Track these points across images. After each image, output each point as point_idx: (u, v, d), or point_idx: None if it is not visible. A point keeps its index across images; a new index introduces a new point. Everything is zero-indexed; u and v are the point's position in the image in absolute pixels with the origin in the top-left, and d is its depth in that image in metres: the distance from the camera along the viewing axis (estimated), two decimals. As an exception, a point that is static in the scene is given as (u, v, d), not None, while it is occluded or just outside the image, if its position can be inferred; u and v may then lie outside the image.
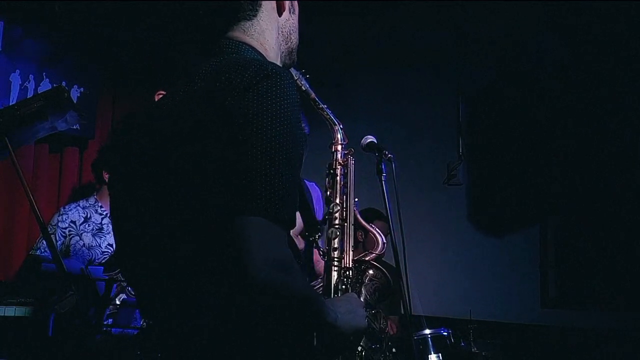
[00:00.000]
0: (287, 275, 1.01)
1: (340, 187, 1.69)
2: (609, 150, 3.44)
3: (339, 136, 1.77)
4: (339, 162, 1.74)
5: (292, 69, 1.56)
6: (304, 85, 1.62)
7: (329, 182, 1.72)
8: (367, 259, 2.25)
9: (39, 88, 3.69)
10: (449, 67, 4.03)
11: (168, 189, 1.10)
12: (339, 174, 1.72)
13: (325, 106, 1.72)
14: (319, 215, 2.88)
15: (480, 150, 3.98)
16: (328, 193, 1.69)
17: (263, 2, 1.28)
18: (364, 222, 2.23)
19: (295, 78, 1.57)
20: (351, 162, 1.77)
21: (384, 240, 2.34)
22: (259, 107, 1.03)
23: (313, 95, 1.66)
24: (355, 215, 1.80)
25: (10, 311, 2.45)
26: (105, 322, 2.58)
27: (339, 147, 1.76)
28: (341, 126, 1.80)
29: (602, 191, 3.48)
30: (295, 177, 1.07)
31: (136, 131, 1.23)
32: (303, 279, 1.09)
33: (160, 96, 2.20)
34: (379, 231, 2.37)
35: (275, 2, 1.31)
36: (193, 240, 1.06)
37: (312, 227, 1.62)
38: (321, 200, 2.92)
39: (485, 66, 3.93)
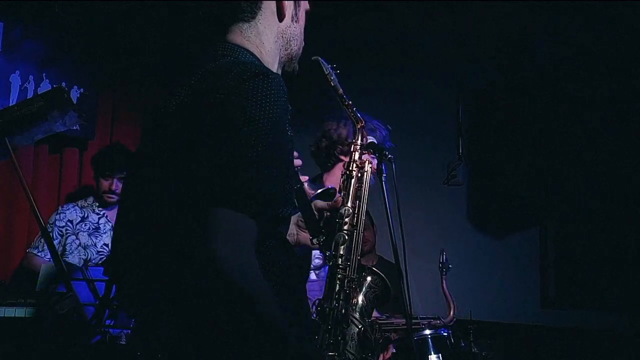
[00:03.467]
0: (249, 273, 1.02)
1: (354, 190, 1.65)
2: (610, 150, 3.44)
3: (359, 136, 1.75)
4: (356, 164, 1.71)
5: (323, 62, 1.55)
6: (333, 80, 1.60)
7: (343, 183, 1.69)
8: (438, 323, 2.32)
9: (38, 89, 3.69)
10: (449, 67, 4.03)
11: (161, 186, 1.13)
12: (354, 176, 1.68)
13: (351, 102, 1.69)
14: None
15: (480, 150, 3.98)
16: (342, 194, 1.65)
17: (263, 4, 1.28)
18: (446, 290, 2.35)
19: (326, 73, 1.57)
20: (368, 165, 1.73)
21: (454, 308, 2.43)
22: (241, 106, 1.05)
23: (341, 91, 1.64)
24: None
25: (10, 311, 2.44)
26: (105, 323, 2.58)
27: (358, 148, 1.75)
28: (362, 124, 1.77)
29: (602, 191, 3.47)
30: (281, 174, 1.08)
31: (144, 134, 1.28)
32: (261, 280, 1.06)
33: None
34: (451, 296, 2.46)
35: (275, 5, 1.30)
36: (176, 235, 1.08)
37: (315, 230, 1.60)
38: None
39: (485, 66, 3.93)
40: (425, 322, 2.37)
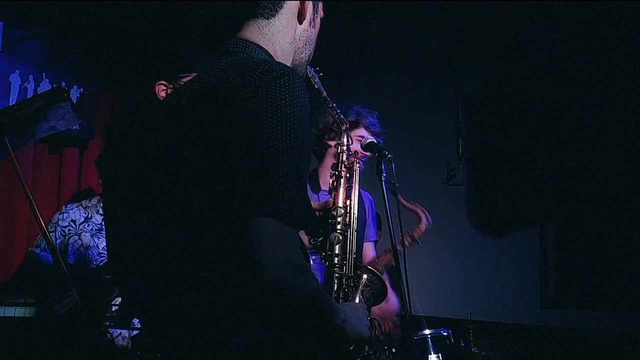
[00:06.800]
0: (299, 276, 1.02)
1: (344, 191, 1.67)
2: (610, 149, 3.44)
3: (345, 138, 1.77)
4: (344, 165, 1.73)
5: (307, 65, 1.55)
6: (317, 83, 1.60)
7: (332, 184, 1.70)
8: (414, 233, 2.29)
9: (38, 88, 3.69)
10: (449, 67, 4.03)
11: (175, 190, 1.09)
12: (343, 177, 1.70)
13: (335, 105, 1.72)
14: (372, 231, 2.84)
15: (480, 150, 3.98)
16: (332, 196, 1.67)
17: (285, 4, 1.27)
18: (406, 203, 2.32)
19: (309, 75, 1.56)
20: (357, 165, 1.75)
21: (426, 216, 2.42)
22: (268, 108, 1.03)
23: (324, 93, 1.65)
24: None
25: (10, 311, 2.44)
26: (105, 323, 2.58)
27: (345, 149, 1.76)
28: (347, 126, 1.79)
29: (602, 191, 3.48)
30: (304, 177, 1.08)
31: (138, 133, 1.22)
32: (314, 279, 1.09)
33: (162, 87, 2.18)
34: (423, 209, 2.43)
35: (298, 6, 1.29)
36: (200, 242, 1.06)
37: (314, 231, 1.60)
38: (374, 211, 2.88)
39: (485, 66, 3.93)
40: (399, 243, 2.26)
